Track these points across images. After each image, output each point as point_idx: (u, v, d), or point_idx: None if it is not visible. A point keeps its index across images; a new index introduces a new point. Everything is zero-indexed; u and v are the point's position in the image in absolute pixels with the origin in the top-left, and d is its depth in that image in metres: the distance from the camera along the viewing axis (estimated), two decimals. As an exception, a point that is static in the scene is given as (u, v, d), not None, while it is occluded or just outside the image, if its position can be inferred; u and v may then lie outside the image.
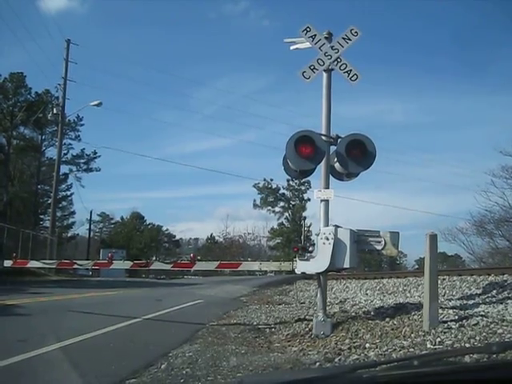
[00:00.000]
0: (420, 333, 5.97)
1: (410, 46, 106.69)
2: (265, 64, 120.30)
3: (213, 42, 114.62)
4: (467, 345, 5.24)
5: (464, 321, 6.30)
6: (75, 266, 11.74)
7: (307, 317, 8.55)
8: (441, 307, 7.07)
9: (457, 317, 6.62)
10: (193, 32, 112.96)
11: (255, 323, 8.74)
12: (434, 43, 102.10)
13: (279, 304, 12.07)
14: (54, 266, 16.37)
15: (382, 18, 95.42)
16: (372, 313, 8.22)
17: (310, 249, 7.58)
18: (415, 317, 6.97)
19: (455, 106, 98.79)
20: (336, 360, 5.26)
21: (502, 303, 7.74)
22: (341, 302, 10.97)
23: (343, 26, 7.98)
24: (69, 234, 59.61)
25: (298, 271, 7.51)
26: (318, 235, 7.20)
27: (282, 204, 71.98)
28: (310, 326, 7.22)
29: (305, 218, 66.16)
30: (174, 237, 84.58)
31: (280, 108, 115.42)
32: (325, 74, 7.84)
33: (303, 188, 69.39)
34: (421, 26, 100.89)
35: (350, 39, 7.80)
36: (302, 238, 9.48)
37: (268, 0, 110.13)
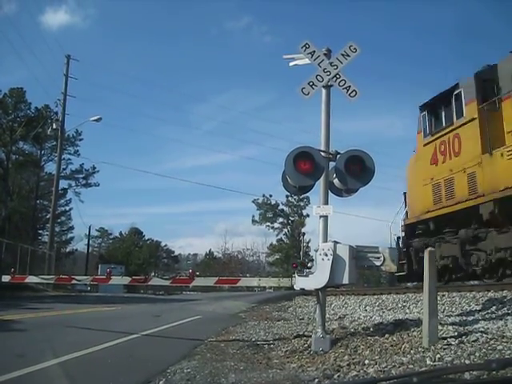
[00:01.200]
0: (419, 349, 5.95)
1: (409, 60, 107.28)
2: (265, 80, 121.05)
3: (214, 57, 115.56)
4: (467, 361, 5.22)
5: (464, 337, 6.27)
6: (73, 282, 11.74)
7: (306, 333, 8.51)
8: (440, 323, 7.04)
9: (456, 333, 6.60)
10: (194, 48, 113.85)
11: (254, 339, 8.70)
12: (433, 57, 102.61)
13: (278, 320, 12.02)
14: (52, 282, 16.36)
15: (382, 32, 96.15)
16: (371, 329, 8.19)
17: (309, 265, 7.58)
18: (414, 333, 6.95)
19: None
20: (335, 376, 5.24)
21: (501, 319, 7.71)
22: (340, 318, 10.94)
23: (344, 40, 8.05)
24: (67, 250, 59.61)
25: (296, 287, 7.49)
26: (316, 251, 7.20)
27: (281, 220, 72.03)
28: (308, 342, 7.20)
29: (304, 233, 65.82)
30: (173, 252, 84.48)
31: (280, 124, 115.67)
32: (324, 90, 7.88)
33: (302, 204, 69.49)
34: (420, 41, 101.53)
35: (348, 55, 7.84)
36: (301, 253, 9.46)
37: (270, 16, 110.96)
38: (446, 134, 13.68)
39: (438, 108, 14.16)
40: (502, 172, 11.39)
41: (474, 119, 12.56)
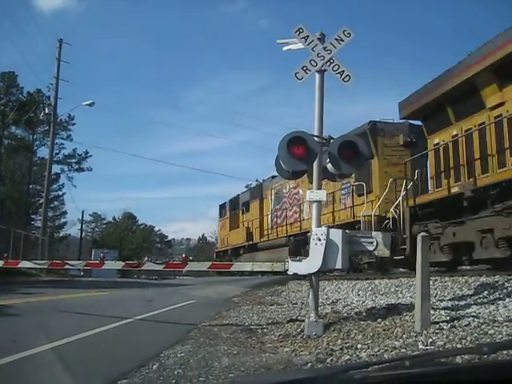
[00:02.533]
0: (412, 333, 5.98)
1: (411, 39, 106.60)
2: (260, 65, 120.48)
3: (208, 40, 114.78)
4: (459, 345, 5.25)
5: (455, 321, 6.32)
6: (67, 267, 11.71)
7: (299, 317, 8.54)
8: (432, 308, 7.08)
9: (448, 318, 6.64)
10: (188, 31, 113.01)
11: (247, 324, 8.72)
12: (436, 37, 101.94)
13: (271, 305, 12.05)
14: (45, 267, 16.29)
15: (381, 12, 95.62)
16: (364, 313, 8.23)
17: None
18: (407, 317, 6.99)
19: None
20: (328, 361, 5.26)
21: (493, 304, 7.76)
22: (333, 302, 10.97)
23: (342, 23, 8.01)
24: (60, 234, 59.57)
25: (290, 272, 7.51)
26: (310, 236, 7.21)
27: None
28: (301, 326, 7.21)
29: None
30: (166, 237, 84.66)
31: (273, 108, 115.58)
32: (317, 75, 7.84)
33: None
34: (425, 19, 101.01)
35: (342, 40, 7.79)
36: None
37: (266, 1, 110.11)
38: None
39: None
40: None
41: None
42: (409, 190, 14.36)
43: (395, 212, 15.12)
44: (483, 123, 12.12)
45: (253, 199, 31.48)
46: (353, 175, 15.95)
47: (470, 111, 12.55)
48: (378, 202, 16.62)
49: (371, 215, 16.28)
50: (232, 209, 35.06)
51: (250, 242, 30.73)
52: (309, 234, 7.41)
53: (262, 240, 29.32)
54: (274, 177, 28.07)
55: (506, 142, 11.28)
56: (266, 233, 29.03)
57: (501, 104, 11.51)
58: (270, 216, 28.76)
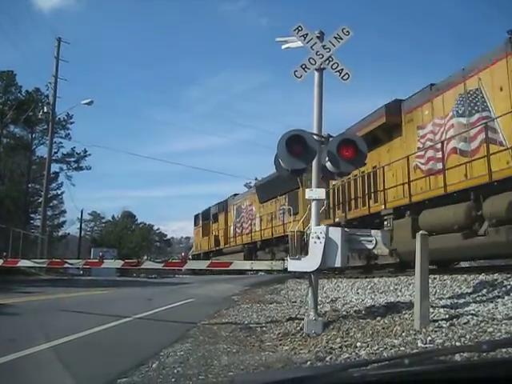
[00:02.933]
0: (411, 332, 5.99)
1: (410, 43, 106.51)
2: (259, 62, 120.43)
3: (208, 39, 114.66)
4: (458, 343, 5.26)
5: (455, 320, 6.32)
6: (66, 265, 11.69)
7: (298, 316, 8.55)
8: (432, 306, 7.09)
9: (447, 316, 6.65)
10: (187, 29, 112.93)
11: (246, 322, 8.73)
12: (433, 41, 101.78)
13: (270, 303, 12.07)
14: (44, 265, 16.26)
15: (380, 14, 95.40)
16: (363, 312, 8.24)
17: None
18: (406, 316, 7.00)
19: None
20: (327, 359, 5.27)
21: (492, 302, 7.77)
22: (332, 300, 10.98)
23: (340, 22, 8.00)
24: (59, 233, 59.40)
25: (289, 270, 7.51)
26: (309, 234, 7.21)
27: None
28: (301, 324, 7.22)
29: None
30: (166, 236, 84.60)
31: (273, 107, 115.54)
32: (316, 73, 7.84)
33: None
34: (421, 24, 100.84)
35: (341, 38, 7.79)
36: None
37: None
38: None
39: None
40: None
41: None
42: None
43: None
44: (355, 175, 16.99)
45: (220, 212, 38.02)
46: (287, 200, 25.43)
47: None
48: (300, 221, 18.06)
49: (294, 231, 17.39)
50: (204, 219, 41.66)
51: (218, 248, 37.08)
52: (307, 232, 7.40)
53: (226, 246, 35.91)
54: (235, 195, 36.40)
55: (370, 188, 16.57)
56: (229, 240, 35.71)
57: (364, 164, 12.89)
58: (232, 227, 35.42)
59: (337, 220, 18.12)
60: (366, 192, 16.70)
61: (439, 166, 12.90)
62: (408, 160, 13.92)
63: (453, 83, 12.93)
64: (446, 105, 13.11)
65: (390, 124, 15.38)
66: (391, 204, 14.84)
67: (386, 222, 14.82)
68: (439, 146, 12.89)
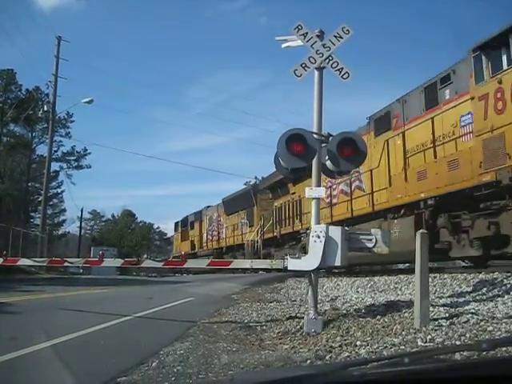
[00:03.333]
0: (411, 330, 5.99)
1: (409, 41, 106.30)
2: (259, 61, 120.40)
3: (208, 39, 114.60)
4: (458, 342, 5.27)
5: (454, 318, 6.33)
6: (66, 264, 11.68)
7: (298, 314, 8.55)
8: (432, 305, 7.09)
9: (447, 314, 6.65)
10: (187, 29, 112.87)
11: (246, 321, 8.73)
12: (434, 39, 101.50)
13: (270, 302, 12.06)
14: (44, 264, 16.30)
15: (380, 14, 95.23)
16: (363, 310, 8.24)
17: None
18: (406, 314, 7.00)
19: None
20: (327, 357, 5.27)
21: (492, 301, 7.78)
22: (332, 299, 10.98)
23: (340, 21, 7.96)
24: (59, 232, 59.43)
25: (289, 269, 7.51)
26: (309, 233, 7.21)
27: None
28: (301, 323, 7.23)
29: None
30: (166, 234, 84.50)
31: (273, 106, 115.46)
32: (316, 72, 7.83)
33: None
34: (422, 23, 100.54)
35: (341, 37, 7.78)
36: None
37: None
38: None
39: None
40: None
41: None
42: (264, 228, 27.50)
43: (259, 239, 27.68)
44: (288, 201, 24.11)
45: (196, 221, 43.17)
46: (245, 214, 31.74)
47: (285, 193, 24.65)
48: (254, 232, 28.77)
49: (249, 240, 28.64)
50: (183, 226, 46.85)
51: (193, 251, 41.29)
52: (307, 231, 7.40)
53: (200, 250, 41.07)
54: (208, 206, 41.72)
55: (295, 212, 22.89)
56: (202, 245, 41.19)
57: (294, 193, 23.10)
58: (205, 234, 41.09)
59: (275, 234, 25.60)
60: (292, 215, 23.47)
61: (334, 200, 18.83)
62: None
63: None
64: None
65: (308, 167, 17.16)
66: (306, 225, 19.10)
67: (302, 238, 20.12)
68: (334, 187, 18.78)
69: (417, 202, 13.35)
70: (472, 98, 11.40)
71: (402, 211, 14.10)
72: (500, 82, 10.44)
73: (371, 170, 15.67)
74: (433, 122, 12.80)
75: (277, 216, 25.47)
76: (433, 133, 12.79)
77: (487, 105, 10.83)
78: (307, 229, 14.86)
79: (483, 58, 10.97)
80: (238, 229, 32.90)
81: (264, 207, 28.71)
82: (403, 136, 14.31)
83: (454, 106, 12.26)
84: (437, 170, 12.47)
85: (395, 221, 14.31)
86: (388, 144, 15.06)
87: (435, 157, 12.74)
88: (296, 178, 9.52)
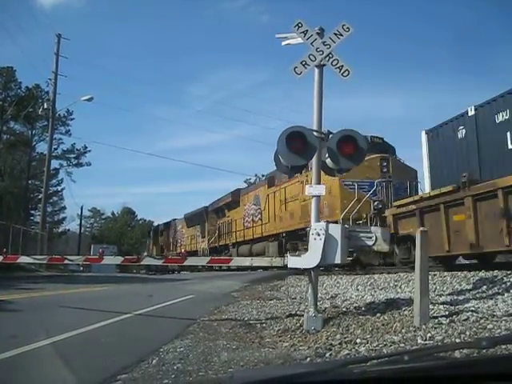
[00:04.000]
0: (411, 328, 6.00)
1: (409, 39, 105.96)
2: (260, 59, 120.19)
3: (209, 37, 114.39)
4: (457, 340, 5.27)
5: (454, 316, 6.33)
6: (66, 262, 11.69)
7: (298, 312, 8.55)
8: (431, 303, 7.09)
9: (447, 312, 6.66)
10: (188, 27, 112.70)
11: (246, 318, 8.73)
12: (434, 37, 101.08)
13: (270, 299, 12.06)
14: (44, 262, 16.28)
15: (382, 12, 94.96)
16: (363, 308, 8.25)
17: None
18: (406, 312, 7.00)
19: (445, 101, 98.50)
20: (327, 355, 5.28)
21: (492, 299, 7.78)
22: (332, 297, 10.98)
23: (342, 20, 7.92)
24: (59, 230, 59.59)
25: (289, 266, 7.51)
26: (309, 231, 7.21)
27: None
28: (301, 321, 7.23)
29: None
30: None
31: (273, 103, 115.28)
32: (316, 70, 7.82)
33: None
34: (422, 21, 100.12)
35: (341, 35, 7.77)
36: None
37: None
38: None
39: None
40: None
41: None
42: (211, 240, 36.72)
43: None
44: (225, 222, 34.70)
45: (165, 230, 52.29)
46: (199, 228, 40.79)
47: (223, 216, 35.16)
48: (205, 242, 38.37)
49: (201, 248, 38.67)
50: (154, 233, 56.21)
51: (162, 254, 46.12)
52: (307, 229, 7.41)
53: (166, 253, 45.76)
54: (175, 219, 50.53)
55: (228, 230, 33.89)
56: (169, 249, 48.58)
57: (229, 216, 33.77)
58: (171, 240, 49.87)
59: (215, 245, 35.77)
60: (227, 232, 34.18)
61: (247, 225, 29.89)
62: (240, 220, 31.51)
63: (253, 190, 30.78)
64: (250, 198, 30.29)
65: (234, 201, 32.88)
66: (233, 240, 32.66)
67: (230, 249, 33.17)
68: (247, 216, 29.84)
69: (279, 233, 24.54)
70: (300, 182, 21.18)
71: (273, 238, 25.50)
72: (307, 176, 18.18)
73: (263, 210, 27.53)
74: (285, 191, 23.91)
75: (218, 232, 36.26)
76: (285, 196, 23.89)
77: (303, 186, 17.62)
78: (234, 243, 32.24)
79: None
80: (194, 238, 42.65)
81: (212, 224, 37.81)
82: (275, 193, 25.37)
83: (293, 184, 22.57)
84: (286, 216, 23.86)
85: (270, 243, 25.41)
86: (269, 196, 26.26)
87: (285, 209, 23.88)
88: (296, 172, 9.76)
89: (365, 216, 17.02)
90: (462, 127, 14.25)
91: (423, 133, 16.18)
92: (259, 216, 27.89)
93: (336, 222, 14.05)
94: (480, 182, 11.38)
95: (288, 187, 23.28)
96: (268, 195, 25.92)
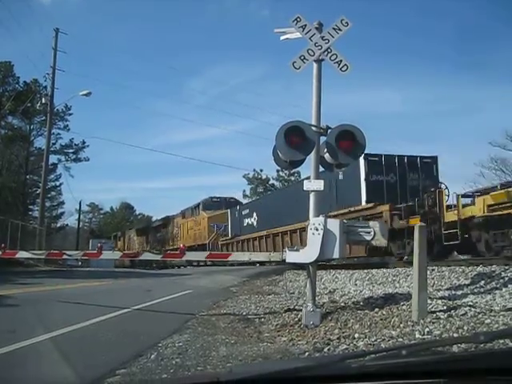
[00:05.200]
0: (409, 323, 6.01)
1: (408, 33, 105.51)
2: (260, 53, 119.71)
3: (209, 31, 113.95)
4: (455, 335, 5.28)
5: (452, 311, 6.35)
6: (64, 257, 11.69)
7: (297, 307, 8.57)
8: (429, 297, 7.11)
9: (445, 307, 6.67)
10: (188, 21, 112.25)
11: (245, 313, 8.75)
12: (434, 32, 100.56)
13: (269, 294, 12.08)
14: (43, 257, 16.32)
15: (382, 6, 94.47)
16: (361, 303, 8.26)
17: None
18: (404, 307, 7.01)
19: (444, 96, 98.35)
20: (325, 350, 5.29)
21: (489, 294, 7.80)
22: (330, 292, 11.00)
23: (338, 14, 7.90)
24: (58, 225, 59.44)
25: (287, 261, 7.52)
26: (307, 225, 7.21)
27: (271, 194, 72.17)
28: (299, 316, 7.24)
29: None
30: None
31: (272, 98, 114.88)
32: (315, 65, 7.81)
33: (293, 179, 69.41)
34: (422, 15, 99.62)
35: (340, 29, 7.76)
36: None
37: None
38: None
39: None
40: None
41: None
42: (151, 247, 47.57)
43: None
44: (161, 235, 51.24)
45: (122, 236, 62.92)
46: (145, 238, 55.19)
47: (160, 231, 51.15)
48: (148, 248, 46.41)
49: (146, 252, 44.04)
50: (114, 237, 64.93)
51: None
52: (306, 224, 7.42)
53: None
54: (130, 229, 63.77)
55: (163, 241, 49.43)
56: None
57: (162, 232, 50.83)
58: (126, 245, 58.27)
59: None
60: (160, 242, 47.68)
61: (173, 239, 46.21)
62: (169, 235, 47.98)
63: (175, 218, 46.52)
64: (174, 223, 46.70)
65: (164, 223, 49.52)
66: (165, 248, 41.60)
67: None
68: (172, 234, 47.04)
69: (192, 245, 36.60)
70: (193, 220, 41.31)
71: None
72: (195, 219, 40.75)
73: (181, 232, 44.10)
74: (188, 223, 42.36)
75: (156, 242, 48.71)
76: (187, 226, 42.31)
77: (195, 223, 40.70)
78: (172, 248, 42.25)
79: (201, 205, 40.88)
80: (141, 244, 52.78)
81: (153, 236, 51.82)
82: (183, 223, 43.29)
83: (191, 220, 41.57)
84: (189, 237, 41.18)
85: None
86: (182, 224, 43.45)
87: (187, 233, 42.08)
88: (294, 167, 9.97)
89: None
90: None
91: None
92: (178, 235, 45.01)
93: (204, 245, 35.30)
94: None
95: (189, 221, 42.29)
96: (181, 224, 44.30)
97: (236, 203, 38.03)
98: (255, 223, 28.89)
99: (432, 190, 14.87)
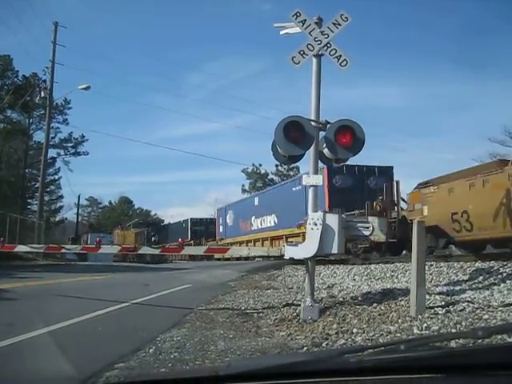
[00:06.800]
0: (407, 318, 6.02)
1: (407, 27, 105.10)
2: (259, 48, 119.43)
3: (209, 25, 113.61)
4: (453, 330, 5.29)
5: (450, 307, 6.35)
6: (63, 251, 11.69)
7: (295, 302, 8.58)
8: (428, 293, 7.12)
9: (443, 303, 6.68)
10: (188, 15, 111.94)
11: (243, 308, 8.76)
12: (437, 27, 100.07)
13: (267, 289, 12.09)
14: (41, 251, 16.34)
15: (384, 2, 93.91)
16: (359, 298, 8.27)
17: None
18: (402, 302, 7.02)
19: (441, 91, 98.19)
20: (323, 345, 5.29)
21: (488, 289, 7.81)
22: (328, 287, 11.01)
23: (340, 9, 7.86)
24: (57, 219, 59.59)
25: (286, 256, 7.53)
26: (306, 221, 7.21)
27: (270, 189, 72.13)
28: (297, 310, 7.25)
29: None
30: (163, 221, 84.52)
31: (271, 93, 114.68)
32: (314, 60, 7.79)
33: (292, 173, 69.40)
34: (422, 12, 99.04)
35: (340, 24, 7.73)
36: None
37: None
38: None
39: None
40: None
41: None
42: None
43: None
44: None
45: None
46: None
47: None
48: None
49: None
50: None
51: None
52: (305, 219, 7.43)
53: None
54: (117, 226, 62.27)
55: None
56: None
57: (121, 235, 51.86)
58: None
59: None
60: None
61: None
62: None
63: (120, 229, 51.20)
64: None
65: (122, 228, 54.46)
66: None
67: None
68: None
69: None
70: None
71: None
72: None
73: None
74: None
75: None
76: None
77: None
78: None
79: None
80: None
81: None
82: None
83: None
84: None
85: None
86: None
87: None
88: (293, 162, 10.07)
89: None
90: None
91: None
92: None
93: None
94: None
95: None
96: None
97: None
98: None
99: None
